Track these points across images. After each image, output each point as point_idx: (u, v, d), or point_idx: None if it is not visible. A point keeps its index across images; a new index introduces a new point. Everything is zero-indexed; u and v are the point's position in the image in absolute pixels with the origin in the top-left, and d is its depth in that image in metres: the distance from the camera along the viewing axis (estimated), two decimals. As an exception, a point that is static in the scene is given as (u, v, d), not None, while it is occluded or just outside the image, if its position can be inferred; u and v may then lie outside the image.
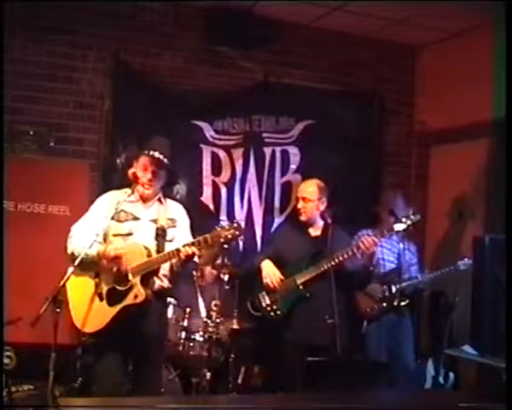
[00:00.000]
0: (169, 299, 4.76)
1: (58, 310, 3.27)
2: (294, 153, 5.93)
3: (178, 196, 4.91)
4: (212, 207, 5.71)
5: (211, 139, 5.71)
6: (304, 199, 4.57)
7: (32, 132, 5.09)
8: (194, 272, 4.95)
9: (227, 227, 3.53)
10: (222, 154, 5.76)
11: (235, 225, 3.55)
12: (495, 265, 3.94)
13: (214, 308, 4.80)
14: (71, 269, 3.44)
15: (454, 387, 5.05)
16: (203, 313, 4.91)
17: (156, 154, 3.71)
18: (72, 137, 5.32)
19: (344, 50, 6.12)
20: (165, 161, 3.74)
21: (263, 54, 5.82)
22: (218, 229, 3.54)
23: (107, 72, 5.37)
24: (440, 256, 5.89)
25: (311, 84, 5.99)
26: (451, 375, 5.04)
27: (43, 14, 5.15)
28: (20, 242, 4.61)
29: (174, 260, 3.66)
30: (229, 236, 3.52)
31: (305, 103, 5.97)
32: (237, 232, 3.54)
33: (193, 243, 3.57)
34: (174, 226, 3.81)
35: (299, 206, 4.59)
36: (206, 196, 5.71)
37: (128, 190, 3.75)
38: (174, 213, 3.87)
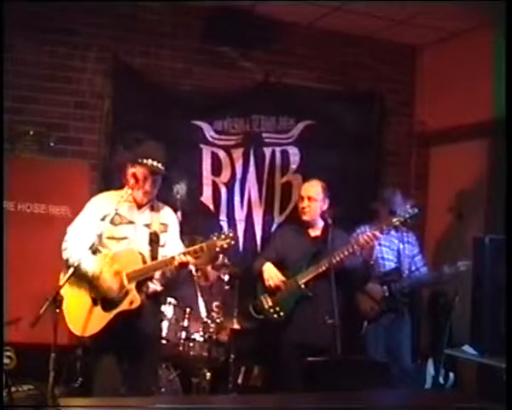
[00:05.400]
0: (169, 299, 4.78)
1: (58, 310, 3.27)
2: (294, 153, 5.93)
3: (178, 196, 4.89)
4: (212, 207, 5.71)
5: (211, 139, 5.71)
6: (309, 198, 4.54)
7: (32, 132, 5.08)
8: (195, 273, 4.95)
9: (223, 237, 3.61)
10: (222, 154, 5.76)
11: (231, 234, 3.63)
12: (495, 265, 3.94)
13: (214, 309, 4.80)
14: (71, 270, 3.44)
15: (454, 387, 5.05)
16: (203, 313, 4.91)
17: (154, 163, 3.68)
18: (72, 137, 5.32)
19: (344, 50, 6.12)
20: (162, 168, 3.73)
21: (263, 54, 5.83)
22: (214, 238, 3.62)
23: (106, 72, 5.37)
24: (440, 256, 5.88)
25: (311, 84, 5.99)
26: (451, 375, 5.04)
27: (43, 14, 5.15)
28: (20, 242, 4.61)
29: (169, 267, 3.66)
30: (225, 245, 3.61)
31: (305, 103, 5.98)
32: (232, 242, 3.64)
33: (189, 252, 3.60)
34: (166, 231, 3.82)
35: (304, 205, 4.54)
36: (206, 197, 5.71)
37: (123, 193, 3.72)
38: (166, 217, 3.87)
